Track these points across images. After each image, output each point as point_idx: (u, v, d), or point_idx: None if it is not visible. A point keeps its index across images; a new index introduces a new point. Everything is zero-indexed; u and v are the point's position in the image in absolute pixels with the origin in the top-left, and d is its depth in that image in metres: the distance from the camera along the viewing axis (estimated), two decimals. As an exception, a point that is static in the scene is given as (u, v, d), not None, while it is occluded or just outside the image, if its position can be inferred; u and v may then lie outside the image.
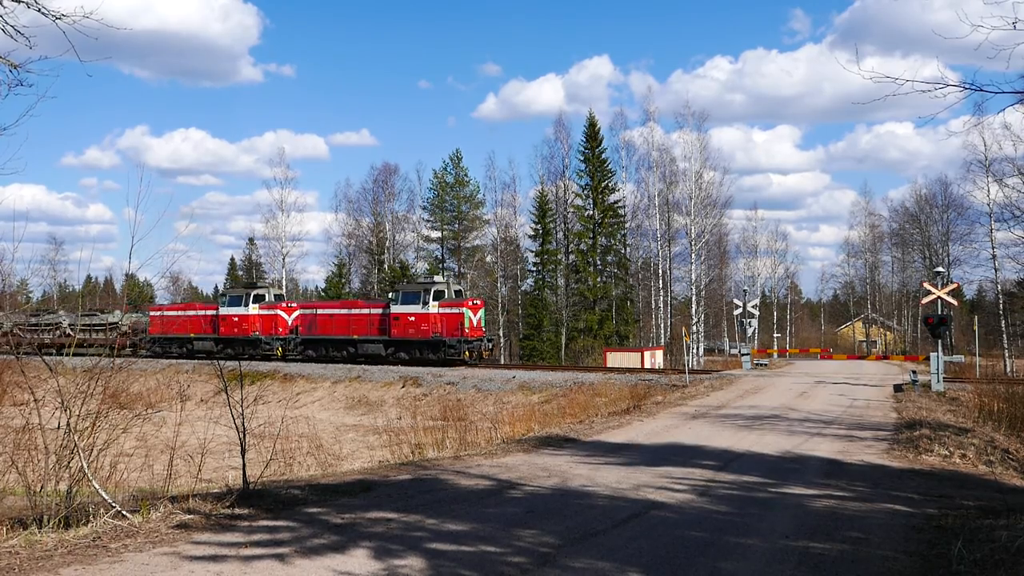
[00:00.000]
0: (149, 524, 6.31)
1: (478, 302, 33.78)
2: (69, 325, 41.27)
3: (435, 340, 31.78)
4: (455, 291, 33.62)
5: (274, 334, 35.80)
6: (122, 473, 8.45)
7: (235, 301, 36.84)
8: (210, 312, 38.35)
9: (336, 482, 8.57)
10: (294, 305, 37.58)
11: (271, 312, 36.17)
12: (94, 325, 41.52)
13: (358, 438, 21.20)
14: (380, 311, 33.61)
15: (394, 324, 32.70)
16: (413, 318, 32.15)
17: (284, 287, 59.22)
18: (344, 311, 35.26)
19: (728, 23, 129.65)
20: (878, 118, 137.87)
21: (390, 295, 34.75)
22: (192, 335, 38.63)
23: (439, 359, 31.80)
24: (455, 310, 31.86)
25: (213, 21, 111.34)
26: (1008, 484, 9.36)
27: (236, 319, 36.52)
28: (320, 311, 36.27)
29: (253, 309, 36.18)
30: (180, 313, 40.20)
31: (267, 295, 37.22)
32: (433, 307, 31.80)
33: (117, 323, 40.17)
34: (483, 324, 33.45)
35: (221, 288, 65.45)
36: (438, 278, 37.11)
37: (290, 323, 35.99)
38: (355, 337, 34.02)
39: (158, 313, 41.46)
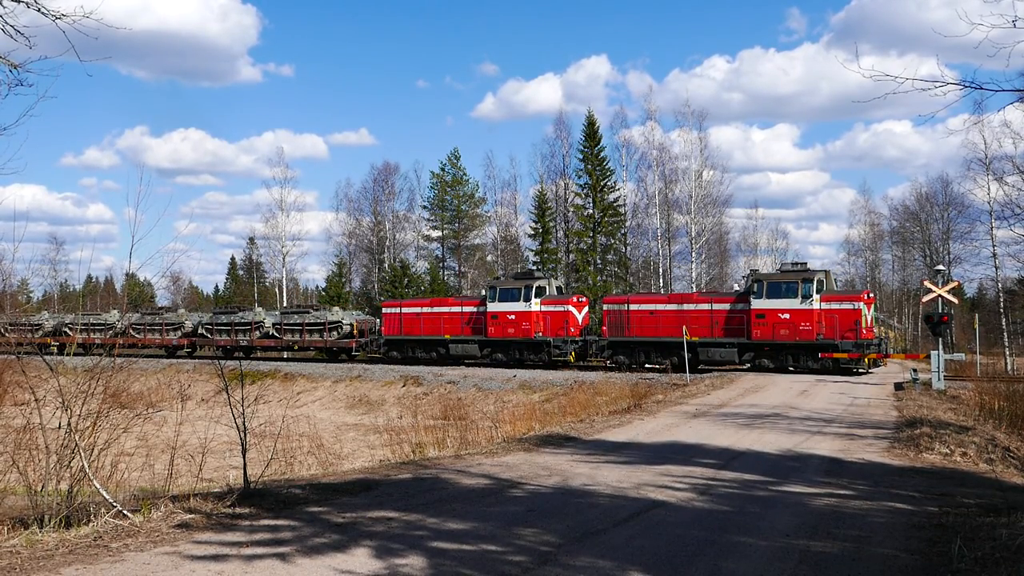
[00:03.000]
0: (150, 524, 6.31)
1: (583, 299, 31.60)
2: (273, 325, 37.63)
3: (538, 341, 29.53)
4: (556, 287, 31.80)
5: (563, 335, 29.85)
6: (123, 473, 8.45)
7: (509, 295, 30.69)
8: (470, 309, 32.13)
9: (337, 481, 8.58)
10: (584, 299, 32.23)
11: (559, 308, 30.25)
12: (307, 325, 36.75)
13: (359, 437, 21.22)
14: (474, 309, 31.35)
15: (491, 323, 30.34)
16: (513, 316, 29.84)
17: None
18: (434, 309, 32.81)
19: (725, 22, 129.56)
20: (876, 116, 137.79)
21: (483, 292, 32.73)
22: (447, 337, 32.36)
23: (541, 361, 29.77)
24: (560, 308, 29.61)
25: (212, 21, 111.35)
26: (1009, 482, 9.36)
27: (512, 317, 30.38)
28: (406, 309, 33.71)
29: (536, 305, 30.15)
30: (428, 310, 33.47)
31: (547, 287, 31.32)
32: (535, 305, 29.54)
33: (339, 322, 35.71)
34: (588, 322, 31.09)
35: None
36: (538, 273, 34.93)
37: (580, 321, 30.72)
38: (446, 337, 31.87)
39: (394, 310, 34.58)
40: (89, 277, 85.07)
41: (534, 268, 43.59)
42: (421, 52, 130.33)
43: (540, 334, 29.58)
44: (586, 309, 31.23)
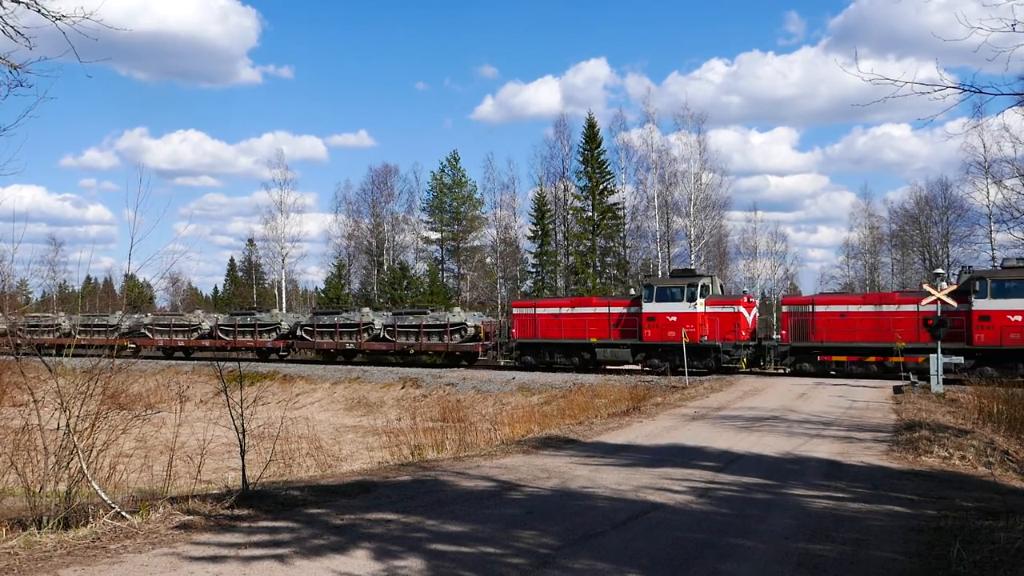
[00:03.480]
0: (148, 525, 6.31)
1: (752, 298, 29.22)
2: (384, 327, 34.91)
3: (704, 345, 26.97)
4: (720, 285, 29.51)
5: (732, 339, 27.21)
6: (121, 474, 8.45)
7: (669, 295, 28.07)
8: (619, 310, 29.35)
9: (336, 483, 8.57)
10: (753, 299, 30.04)
11: (727, 309, 27.59)
12: (426, 327, 33.67)
13: (358, 439, 21.21)
14: (624, 310, 28.91)
15: (647, 325, 27.80)
16: (674, 318, 27.24)
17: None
18: (576, 310, 30.11)
19: (723, 26, 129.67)
20: (875, 120, 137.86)
21: (634, 291, 30.52)
22: (593, 340, 29.38)
23: (707, 367, 27.14)
24: (729, 308, 27.20)
25: (211, 23, 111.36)
26: (1007, 485, 9.36)
27: (673, 319, 27.54)
28: (542, 310, 30.95)
29: (700, 306, 27.60)
30: (570, 311, 30.43)
31: (711, 286, 28.65)
32: (700, 305, 27.14)
33: (462, 324, 32.65)
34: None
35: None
36: (700, 271, 32.51)
37: (750, 323, 28.33)
38: (592, 341, 29.17)
39: (527, 311, 31.53)
40: (88, 278, 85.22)
41: (692, 266, 40.87)
42: (420, 54, 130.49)
43: (706, 338, 27.02)
44: (755, 310, 29.11)
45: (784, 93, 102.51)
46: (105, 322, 44.08)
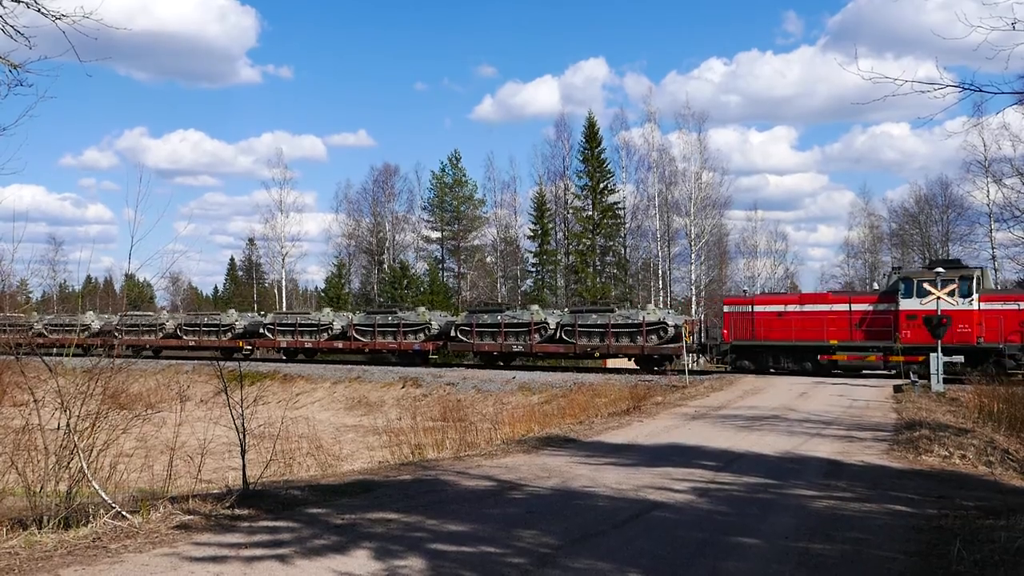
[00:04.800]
0: (149, 525, 6.31)
1: None
2: (560, 326, 31.07)
3: (981, 348, 23.55)
4: (991, 279, 26.65)
5: (1019, 340, 23.52)
6: (122, 474, 8.44)
7: (924, 289, 24.65)
8: (863, 307, 26.01)
9: (336, 483, 8.57)
10: None
11: (1011, 307, 23.89)
12: (614, 327, 29.57)
13: (358, 438, 21.21)
14: (870, 307, 25.63)
15: (907, 325, 24.27)
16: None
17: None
18: (807, 308, 26.69)
19: (722, 25, 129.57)
20: (874, 119, 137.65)
21: (876, 285, 27.99)
22: (832, 343, 25.89)
23: (984, 373, 22.25)
24: (1013, 305, 23.68)
25: (211, 23, 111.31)
26: (1008, 485, 9.36)
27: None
28: (760, 308, 27.36)
29: (975, 302, 23.96)
30: (798, 308, 26.83)
31: (983, 279, 24.99)
32: (975, 302, 23.82)
33: (661, 323, 28.88)
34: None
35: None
36: (969, 263, 29.26)
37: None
38: (831, 343, 25.68)
39: (741, 308, 28.05)
40: (88, 278, 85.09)
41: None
42: (419, 54, 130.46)
43: (982, 339, 23.63)
44: None
45: (783, 92, 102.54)
46: (217, 322, 41.00)
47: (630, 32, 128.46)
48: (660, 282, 47.56)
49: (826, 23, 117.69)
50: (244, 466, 7.79)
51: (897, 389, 21.21)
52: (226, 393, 8.16)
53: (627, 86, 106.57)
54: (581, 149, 50.25)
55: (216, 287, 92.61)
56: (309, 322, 37.53)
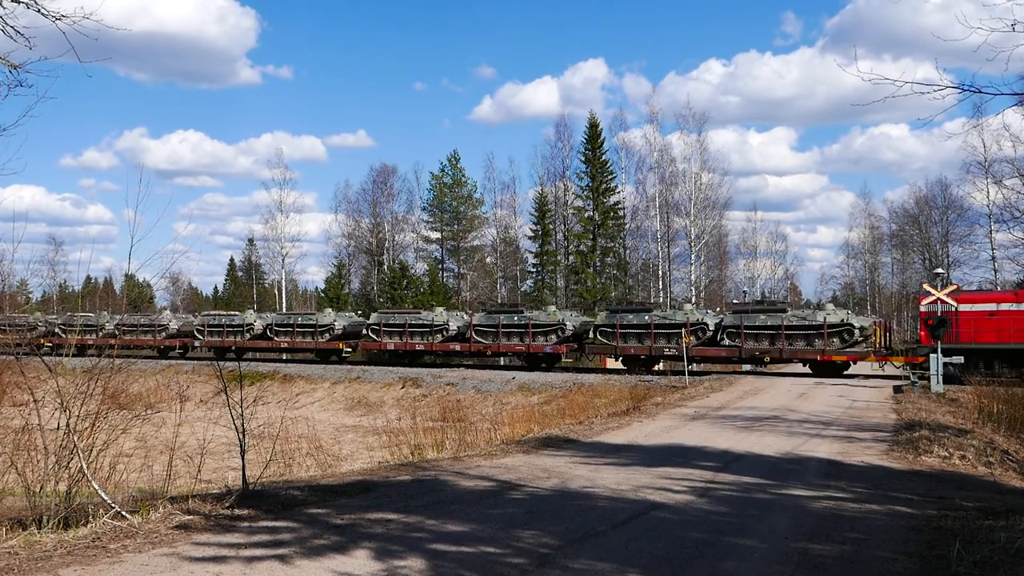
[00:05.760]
0: (148, 525, 6.30)
1: None
2: (724, 328, 28.55)
3: None
4: None
5: None
6: (121, 474, 8.44)
7: None
8: None
9: (336, 483, 8.57)
10: None
11: None
12: (788, 328, 27.08)
13: (358, 439, 21.20)
14: None
15: None
16: None
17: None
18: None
19: (720, 26, 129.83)
20: (873, 120, 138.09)
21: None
22: None
23: None
24: None
25: (210, 23, 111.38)
26: (1007, 485, 9.36)
27: None
28: (965, 307, 24.19)
29: None
30: (1014, 307, 24.04)
31: None
32: None
33: (847, 326, 26.24)
34: None
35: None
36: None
37: None
38: None
39: (973, 307, 24.56)
40: (88, 278, 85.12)
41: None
42: (418, 55, 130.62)
43: None
44: None
45: (782, 93, 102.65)
46: (313, 322, 37.37)
47: (629, 33, 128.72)
48: (660, 283, 47.56)
49: (824, 24, 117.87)
50: (244, 466, 7.79)
51: (897, 390, 21.21)
52: (226, 393, 8.16)
53: (626, 87, 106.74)
54: (582, 150, 50.27)
55: (216, 287, 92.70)
56: (420, 322, 34.31)
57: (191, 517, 6.57)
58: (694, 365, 29.16)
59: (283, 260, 56.60)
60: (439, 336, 33.83)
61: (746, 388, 22.05)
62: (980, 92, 7.28)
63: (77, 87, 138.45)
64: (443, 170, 57.10)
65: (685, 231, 47.04)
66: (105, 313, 45.67)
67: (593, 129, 49.85)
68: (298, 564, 5.44)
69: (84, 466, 6.70)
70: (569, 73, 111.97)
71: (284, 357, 42.08)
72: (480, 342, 32.72)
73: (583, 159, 50.05)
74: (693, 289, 46.82)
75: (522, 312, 32.71)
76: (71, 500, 6.63)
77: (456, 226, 56.46)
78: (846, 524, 6.91)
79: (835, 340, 26.62)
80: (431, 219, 57.80)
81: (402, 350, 34.74)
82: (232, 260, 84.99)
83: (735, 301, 41.25)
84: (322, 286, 62.13)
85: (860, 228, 59.12)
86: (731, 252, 58.02)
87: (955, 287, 24.29)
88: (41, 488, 6.59)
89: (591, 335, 30.76)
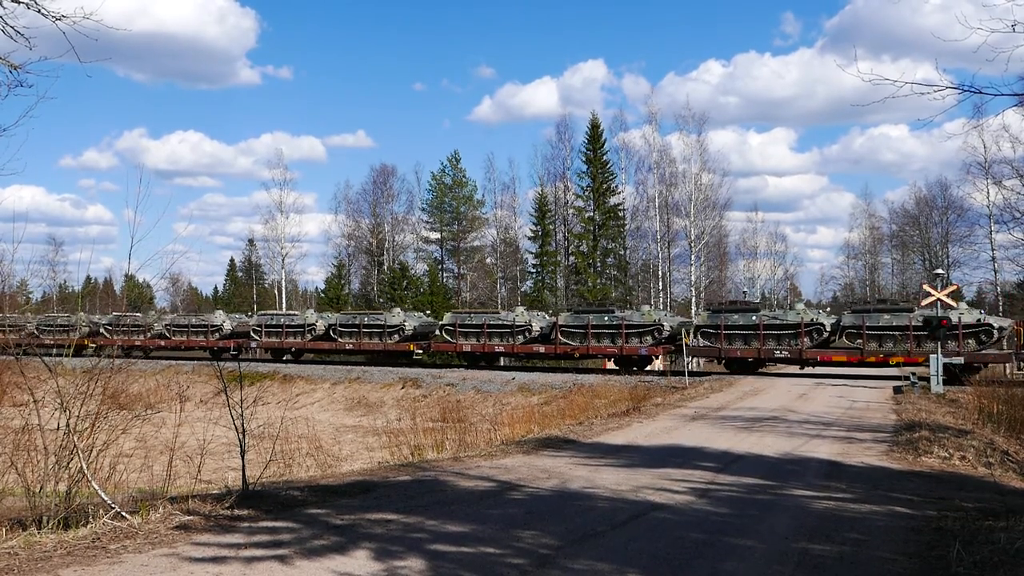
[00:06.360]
0: (148, 525, 6.30)
1: None
2: (844, 328, 26.62)
3: None
4: None
5: None
6: (121, 474, 8.43)
7: None
8: None
9: (336, 483, 8.57)
10: None
11: None
12: (916, 328, 24.54)
13: (357, 439, 21.19)
14: None
15: None
16: None
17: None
18: None
19: (719, 27, 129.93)
20: (872, 121, 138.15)
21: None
22: None
23: None
24: None
25: (210, 24, 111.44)
26: (1007, 486, 9.36)
27: None
28: None
29: None
30: None
31: None
32: None
33: (984, 323, 24.48)
34: None
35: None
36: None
37: None
38: None
39: None
40: (88, 278, 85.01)
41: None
42: (418, 55, 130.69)
43: None
44: None
45: (781, 94, 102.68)
46: (381, 322, 35.70)
47: (628, 34, 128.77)
48: (660, 283, 47.54)
49: (824, 25, 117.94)
50: (244, 466, 7.78)
51: (897, 390, 21.22)
52: (226, 394, 8.15)
53: (625, 87, 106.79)
54: (582, 150, 50.27)
55: (216, 287, 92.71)
56: (500, 323, 32.58)
57: (191, 517, 6.57)
58: (808, 368, 27.85)
59: (283, 260, 56.63)
60: (520, 337, 32.17)
61: (746, 389, 22.05)
62: (980, 93, 7.29)
63: (77, 87, 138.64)
64: (443, 170, 57.17)
65: (685, 232, 47.02)
66: (153, 312, 44.43)
67: (595, 130, 49.85)
68: (298, 564, 5.44)
69: (84, 466, 6.70)
70: (569, 73, 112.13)
71: (344, 359, 39.71)
72: (567, 343, 31.13)
73: (584, 159, 50.06)
74: (693, 290, 46.81)
75: (613, 312, 31.12)
76: (71, 500, 6.62)
77: (456, 226, 56.46)
78: (846, 525, 6.91)
79: (970, 341, 24.76)
80: (431, 219, 57.82)
81: (480, 352, 33.34)
82: (232, 260, 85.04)
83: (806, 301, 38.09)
84: (322, 286, 62.19)
85: (860, 229, 59.14)
86: (731, 252, 58.06)
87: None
88: (41, 488, 6.59)
89: (693, 337, 28.57)
